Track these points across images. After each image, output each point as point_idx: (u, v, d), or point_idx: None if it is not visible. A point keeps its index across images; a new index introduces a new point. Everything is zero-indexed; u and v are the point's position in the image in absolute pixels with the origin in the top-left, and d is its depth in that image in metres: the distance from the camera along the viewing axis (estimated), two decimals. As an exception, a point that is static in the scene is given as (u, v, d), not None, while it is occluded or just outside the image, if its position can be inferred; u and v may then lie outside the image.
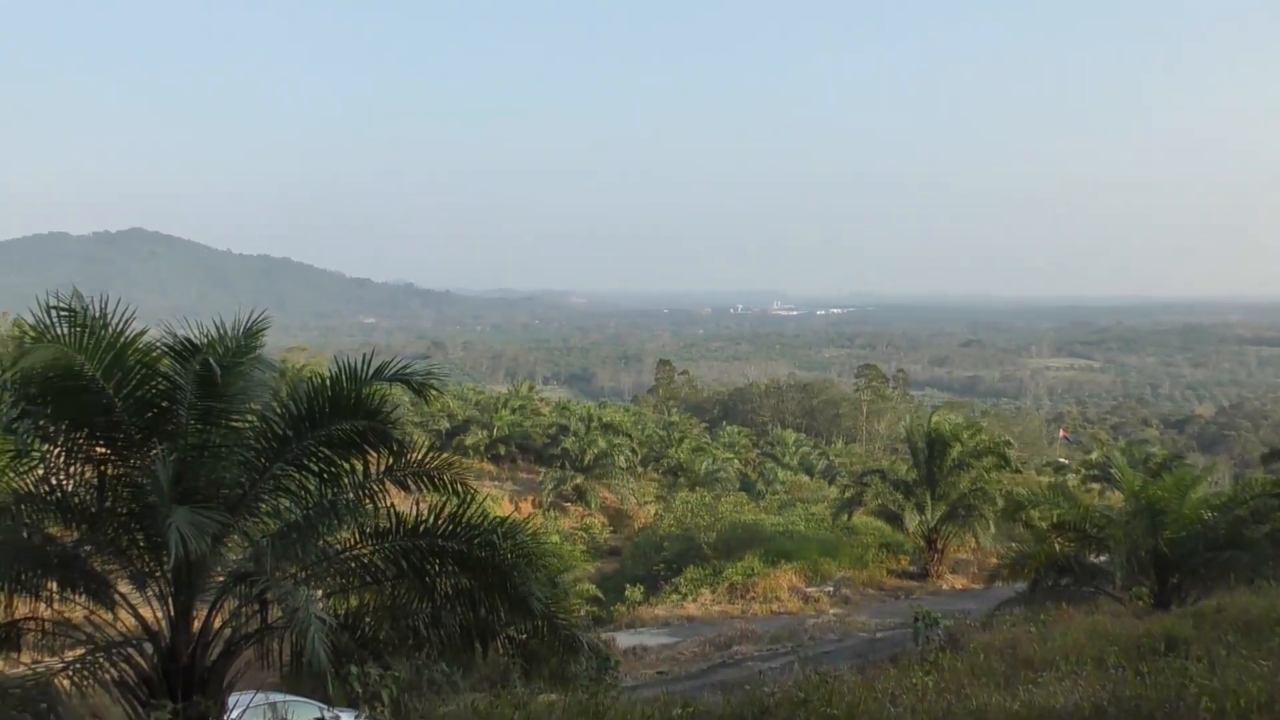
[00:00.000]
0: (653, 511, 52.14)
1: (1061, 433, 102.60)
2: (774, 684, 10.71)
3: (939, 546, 34.91)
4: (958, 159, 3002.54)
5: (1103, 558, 21.64)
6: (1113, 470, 39.36)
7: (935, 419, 36.69)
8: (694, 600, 32.30)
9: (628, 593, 33.22)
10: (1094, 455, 61.45)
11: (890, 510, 35.49)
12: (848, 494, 40.55)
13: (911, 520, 34.03)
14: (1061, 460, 72.31)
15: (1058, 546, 21.66)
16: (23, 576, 9.14)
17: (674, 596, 33.23)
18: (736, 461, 66.39)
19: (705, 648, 24.94)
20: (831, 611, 29.55)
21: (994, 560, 30.46)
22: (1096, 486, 49.74)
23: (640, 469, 60.41)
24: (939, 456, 34.90)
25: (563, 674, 10.68)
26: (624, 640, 25.40)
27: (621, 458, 55.92)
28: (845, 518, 39.04)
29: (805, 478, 68.23)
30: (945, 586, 33.76)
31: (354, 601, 10.47)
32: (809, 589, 32.46)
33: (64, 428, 9.29)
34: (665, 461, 62.95)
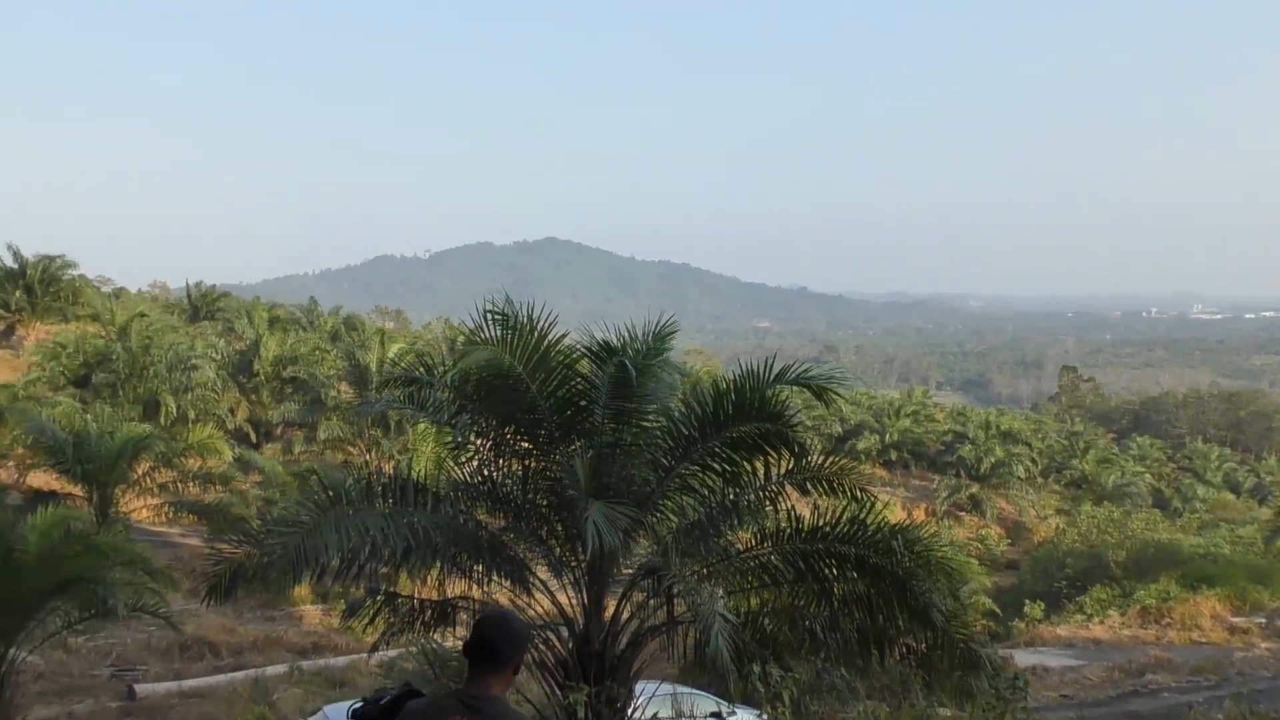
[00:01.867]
0: (1054, 525, 49.61)
1: None
2: (1204, 721, 9.74)
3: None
4: None
5: None
6: None
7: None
8: (1100, 622, 30.30)
9: (1027, 609, 31.76)
10: None
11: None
12: (1284, 516, 36.54)
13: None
14: None
15: None
16: (457, 558, 9.98)
17: (1078, 616, 31.39)
18: (1148, 475, 61.64)
19: (1114, 674, 23.27)
20: (1264, 646, 26.62)
21: None
22: None
23: (1040, 480, 57.57)
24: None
25: (964, 689, 10.26)
26: (1022, 659, 24.19)
27: (1020, 467, 53.56)
28: (1281, 542, 35.22)
29: (1230, 496, 62.27)
30: None
31: (753, 601, 10.59)
32: (1236, 619, 29.48)
33: (494, 423, 10.05)
34: (1068, 473, 59.61)
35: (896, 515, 42.49)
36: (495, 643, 4.18)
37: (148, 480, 26.54)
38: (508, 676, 4.24)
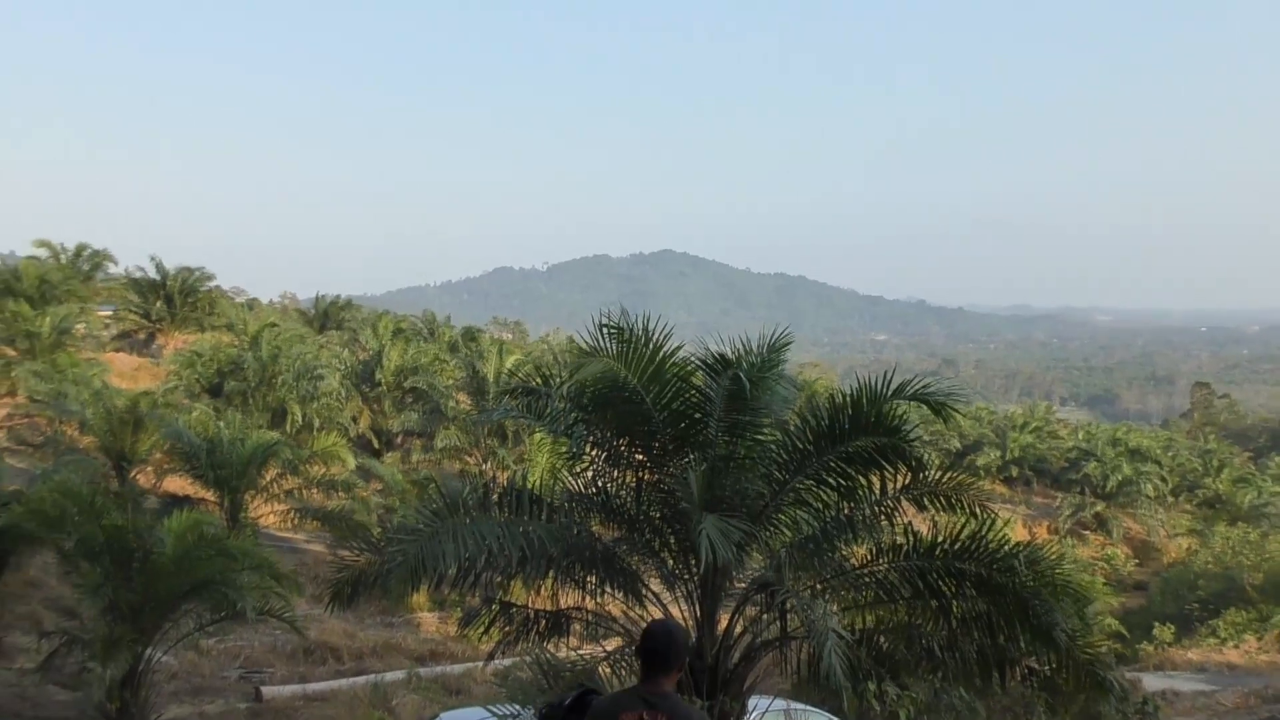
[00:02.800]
0: (1185, 545, 47.89)
1: None
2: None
3: None
4: None
5: None
6: None
7: None
8: (1236, 646, 29.15)
9: (1156, 631, 30.70)
10: None
11: None
12: None
13: None
14: None
15: None
16: (571, 569, 10.07)
17: (1210, 640, 30.25)
18: (1288, 497, 58.90)
19: (1250, 700, 22.36)
20: None
21: None
22: None
23: (1170, 499, 55.51)
24: None
25: (1090, 713, 9.97)
26: (1151, 682, 23.41)
27: (1149, 485, 51.74)
28: None
29: (1375, 519, 59.09)
30: None
31: (869, 618, 10.45)
32: (1380, 647, 28.10)
33: (609, 435, 10.13)
34: (1201, 492, 57.38)
35: (1017, 533, 41.57)
36: (662, 652, 5.02)
37: (275, 486, 27.37)
38: (675, 675, 5.04)
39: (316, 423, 37.62)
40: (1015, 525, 46.05)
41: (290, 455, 27.31)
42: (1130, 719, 8.79)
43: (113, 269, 57.33)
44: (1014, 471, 56.76)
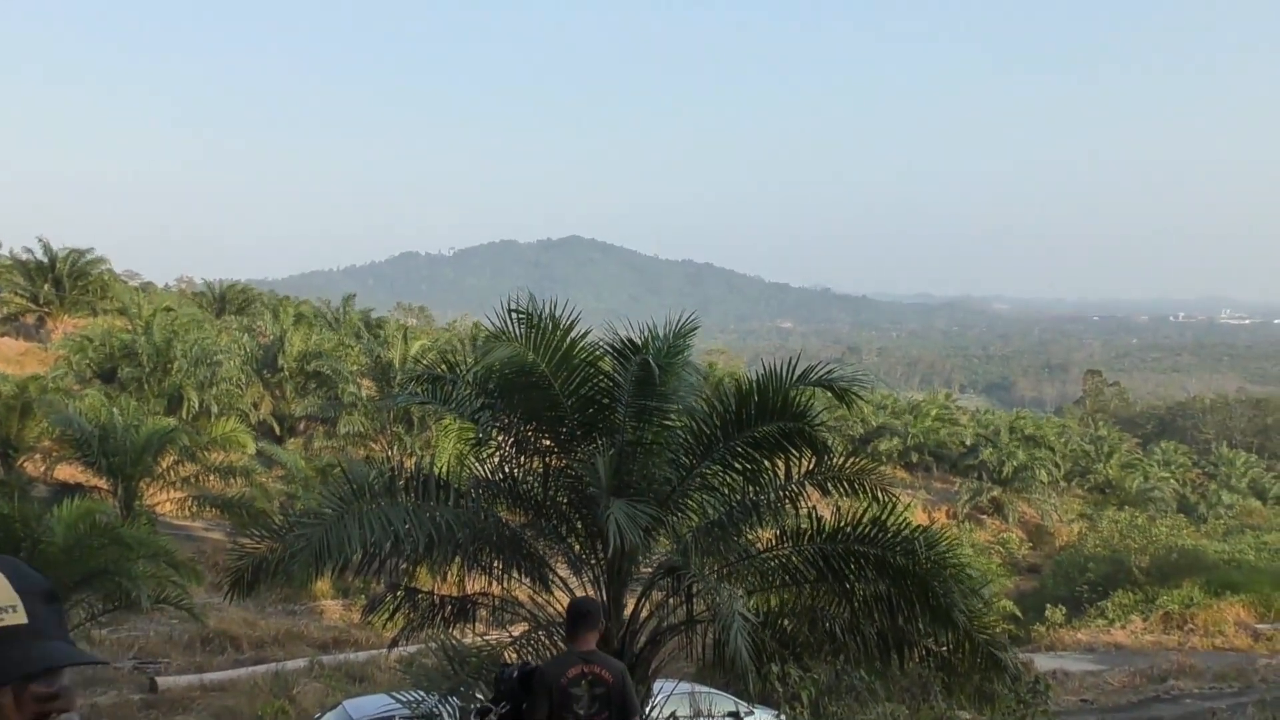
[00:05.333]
0: (1076, 529, 49.41)
1: None
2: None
3: None
4: None
5: None
6: None
7: None
8: (1123, 627, 30.17)
9: (1048, 613, 31.63)
10: None
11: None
12: (1310, 523, 36.21)
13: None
14: None
15: None
16: (478, 554, 10.02)
17: (1099, 621, 31.27)
18: (1173, 481, 61.22)
19: (1136, 679, 23.17)
20: (1288, 653, 26.44)
21: None
22: None
23: (1063, 484, 57.23)
24: None
25: (985, 693, 10.23)
26: (1043, 662, 24.10)
27: (1043, 471, 53.29)
28: (1307, 549, 34.89)
29: (1256, 503, 61.76)
30: None
31: (773, 601, 10.59)
32: (1260, 625, 29.27)
33: (516, 420, 10.09)
34: (1092, 477, 59.29)
35: (917, 517, 42.42)
36: (593, 613, 6.44)
37: (172, 474, 26.74)
38: (598, 634, 6.43)
39: (215, 409, 36.81)
40: (915, 510, 47.03)
41: (188, 442, 26.69)
42: (1023, 698, 9.02)
43: (-5, 252, 55.34)
44: (914, 457, 57.92)
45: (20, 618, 1.13)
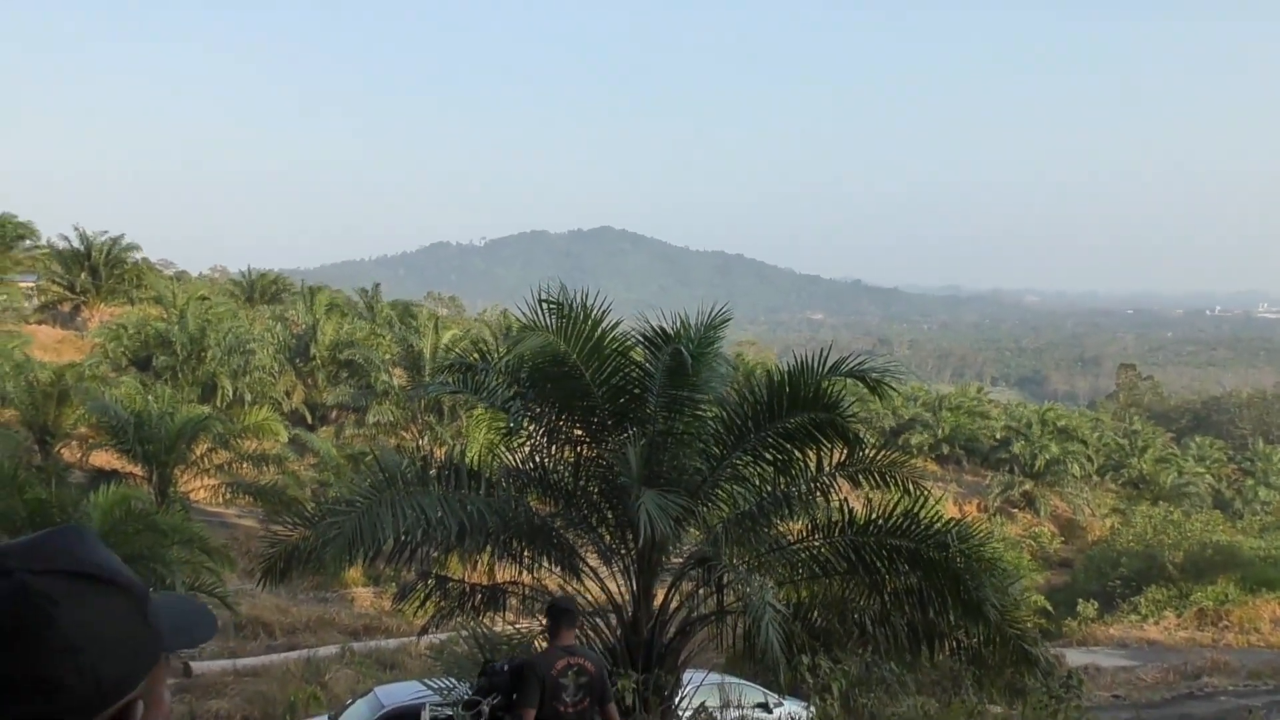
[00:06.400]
0: (1109, 524, 48.95)
1: None
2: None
3: None
4: None
5: None
6: None
7: None
8: (1156, 623, 29.91)
9: (1080, 608, 31.41)
10: None
11: None
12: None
13: None
14: None
15: None
16: (509, 543, 10.05)
17: (1132, 617, 31.01)
18: (1209, 476, 60.46)
19: (1169, 675, 22.96)
20: (1325, 651, 26.12)
21: None
22: None
23: (1096, 478, 56.73)
24: None
25: (1016, 687, 10.17)
26: (1074, 658, 23.92)
27: (1076, 465, 52.86)
28: (1346, 547, 34.43)
29: (1293, 499, 60.90)
30: None
31: (803, 593, 10.56)
32: (1296, 623, 28.97)
33: (547, 410, 10.10)
34: (1125, 472, 58.67)
35: (948, 511, 42.26)
36: (572, 611, 7.11)
37: (205, 461, 26.99)
38: (575, 629, 7.13)
39: (248, 397, 37.13)
40: (946, 503, 46.82)
41: (221, 429, 26.93)
42: (1055, 693, 8.97)
43: (29, 242, 55.96)
44: (946, 450, 57.58)
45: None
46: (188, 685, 16.99)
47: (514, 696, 6.74)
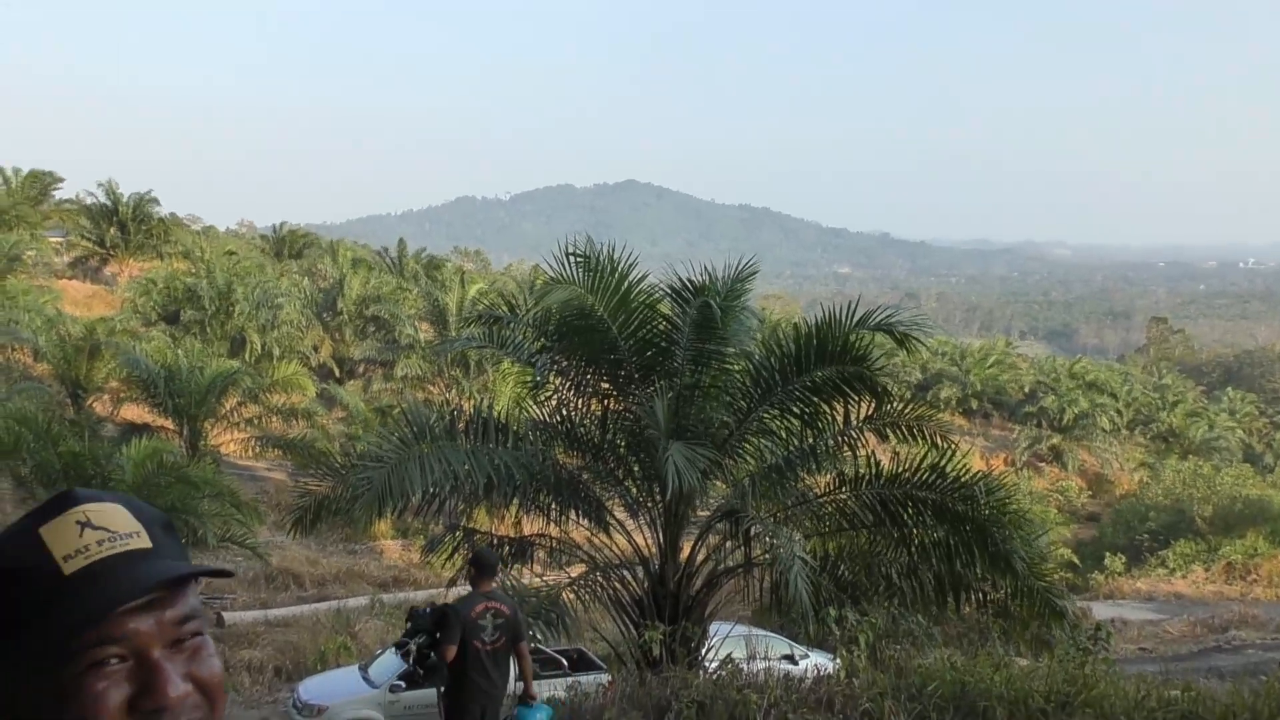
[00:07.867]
0: (1138, 478, 48.71)
1: None
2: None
3: None
4: None
5: None
6: None
7: None
8: (1183, 577, 29.85)
9: (1107, 562, 31.37)
10: None
11: None
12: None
13: None
14: None
15: None
16: (536, 496, 10.10)
17: (1160, 570, 30.97)
18: (1240, 430, 59.91)
19: (1196, 629, 22.94)
20: (1354, 605, 26.01)
21: None
22: None
23: (1125, 432, 56.32)
24: None
25: (1043, 639, 10.17)
26: (1101, 611, 23.91)
27: (1105, 419, 52.49)
28: (1377, 500, 34.15)
29: (1324, 452, 60.36)
30: None
31: (830, 546, 10.57)
32: (1326, 577, 28.83)
33: (574, 364, 10.11)
34: (1155, 426, 58.19)
35: (975, 464, 42.11)
36: (493, 562, 7.81)
37: (235, 415, 27.21)
38: (494, 578, 7.74)
39: (276, 351, 37.32)
40: (973, 457, 46.61)
41: (250, 383, 27.12)
42: (1082, 645, 8.95)
43: (59, 194, 56.24)
44: (974, 404, 57.26)
45: (145, 542, 1.19)
46: (220, 635, 17.22)
47: (437, 636, 7.36)
